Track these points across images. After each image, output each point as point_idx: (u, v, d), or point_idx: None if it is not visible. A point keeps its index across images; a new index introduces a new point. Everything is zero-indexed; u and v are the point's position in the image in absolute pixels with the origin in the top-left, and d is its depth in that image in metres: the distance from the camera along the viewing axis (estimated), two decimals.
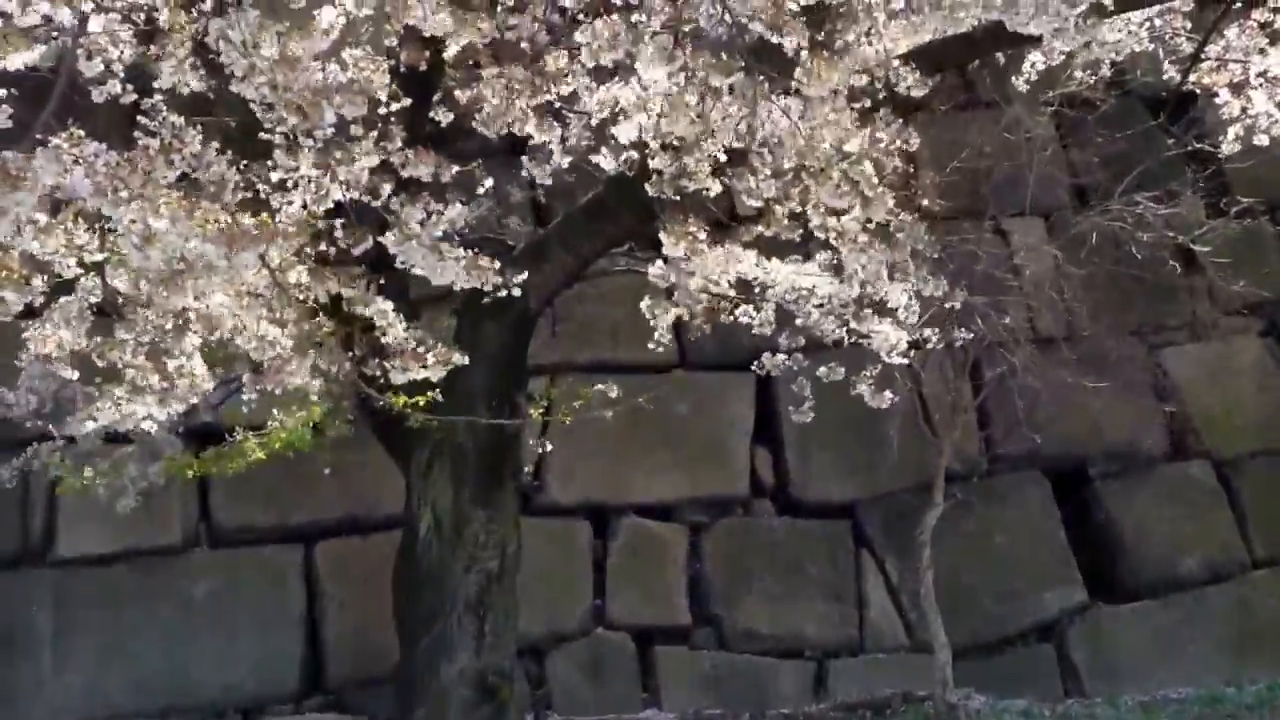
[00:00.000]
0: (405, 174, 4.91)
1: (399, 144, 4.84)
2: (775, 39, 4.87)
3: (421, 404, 5.74)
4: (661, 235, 5.59)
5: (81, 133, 4.01)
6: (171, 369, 5.02)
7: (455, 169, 5.07)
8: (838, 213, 5.56)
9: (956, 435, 9.18)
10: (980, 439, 10.29)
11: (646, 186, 5.50)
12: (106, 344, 4.99)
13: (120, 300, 4.95)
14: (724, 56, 5.17)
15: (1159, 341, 10.91)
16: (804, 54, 4.96)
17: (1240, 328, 11.05)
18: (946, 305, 6.44)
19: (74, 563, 8.90)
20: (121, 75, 4.45)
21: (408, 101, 5.08)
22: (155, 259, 4.17)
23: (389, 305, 5.09)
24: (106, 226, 4.38)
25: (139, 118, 4.43)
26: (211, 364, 5.26)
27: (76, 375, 5.03)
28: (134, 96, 4.48)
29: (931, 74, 5.64)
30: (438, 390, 5.71)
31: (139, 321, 4.98)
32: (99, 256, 4.36)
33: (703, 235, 5.74)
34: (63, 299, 4.82)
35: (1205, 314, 10.87)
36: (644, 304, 6.28)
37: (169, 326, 4.97)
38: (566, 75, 5.37)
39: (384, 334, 5.08)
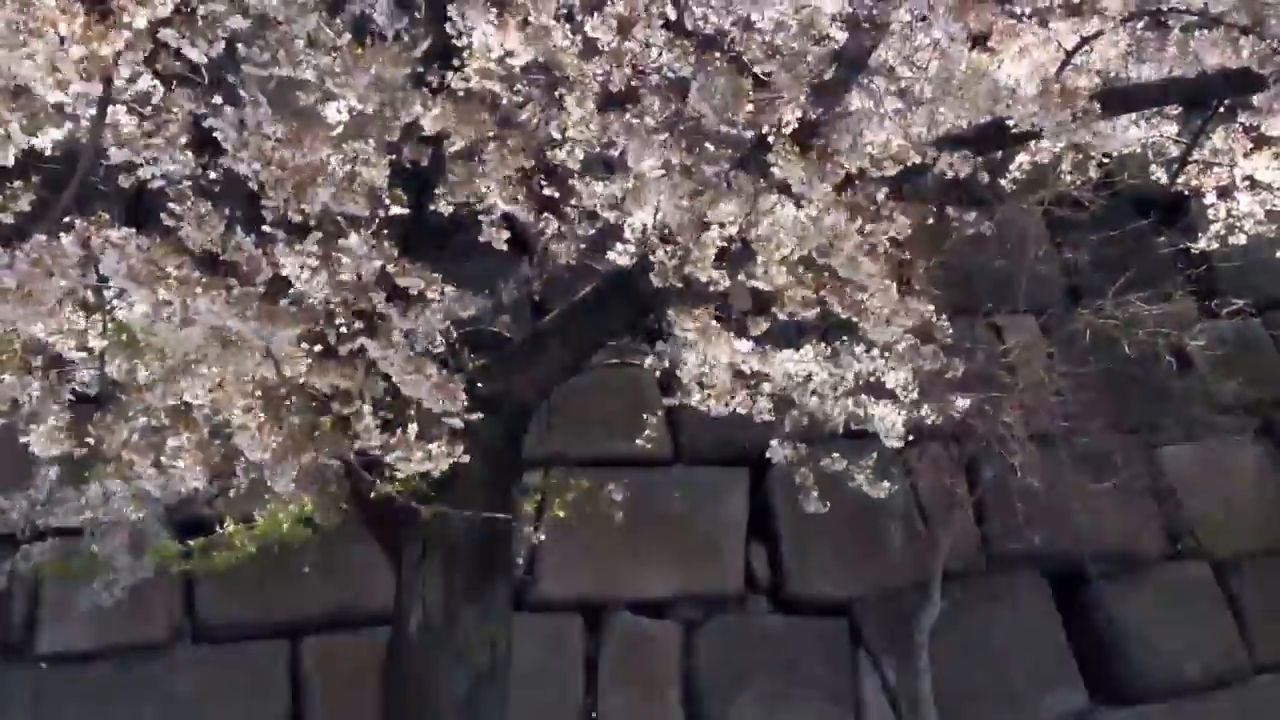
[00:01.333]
0: (399, 282, 4.98)
1: (395, 251, 4.93)
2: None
3: (415, 495, 5.76)
4: (672, 315, 5.66)
5: (106, 216, 4.10)
6: (165, 461, 5.05)
7: (447, 287, 5.14)
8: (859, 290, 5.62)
9: (953, 533, 9.20)
10: (978, 536, 10.30)
11: (651, 277, 5.58)
12: (99, 431, 5.02)
13: (117, 389, 5.01)
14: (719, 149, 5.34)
15: (1156, 441, 10.99)
16: (794, 154, 5.10)
17: (1236, 427, 11.15)
18: (946, 376, 6.49)
19: (55, 659, 8.80)
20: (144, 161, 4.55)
21: (406, 210, 5.20)
22: (195, 338, 4.23)
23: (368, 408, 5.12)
24: (109, 311, 4.46)
25: (168, 203, 4.53)
26: (204, 457, 5.29)
27: (66, 466, 5.04)
28: (160, 182, 4.59)
29: (920, 175, 5.80)
30: (431, 482, 5.73)
31: (134, 410, 5.03)
32: (101, 343, 4.44)
33: (714, 322, 5.82)
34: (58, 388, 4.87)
35: (1201, 414, 10.97)
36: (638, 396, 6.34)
37: (165, 417, 5.02)
38: (566, 170, 5.50)
39: (380, 427, 5.11)
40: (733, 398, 6.25)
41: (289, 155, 4.36)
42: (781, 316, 5.85)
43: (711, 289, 5.62)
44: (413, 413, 5.18)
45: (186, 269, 3.97)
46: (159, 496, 5.12)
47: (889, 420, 6.03)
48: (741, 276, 5.55)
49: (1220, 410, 11.02)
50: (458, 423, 5.00)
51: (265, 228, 4.61)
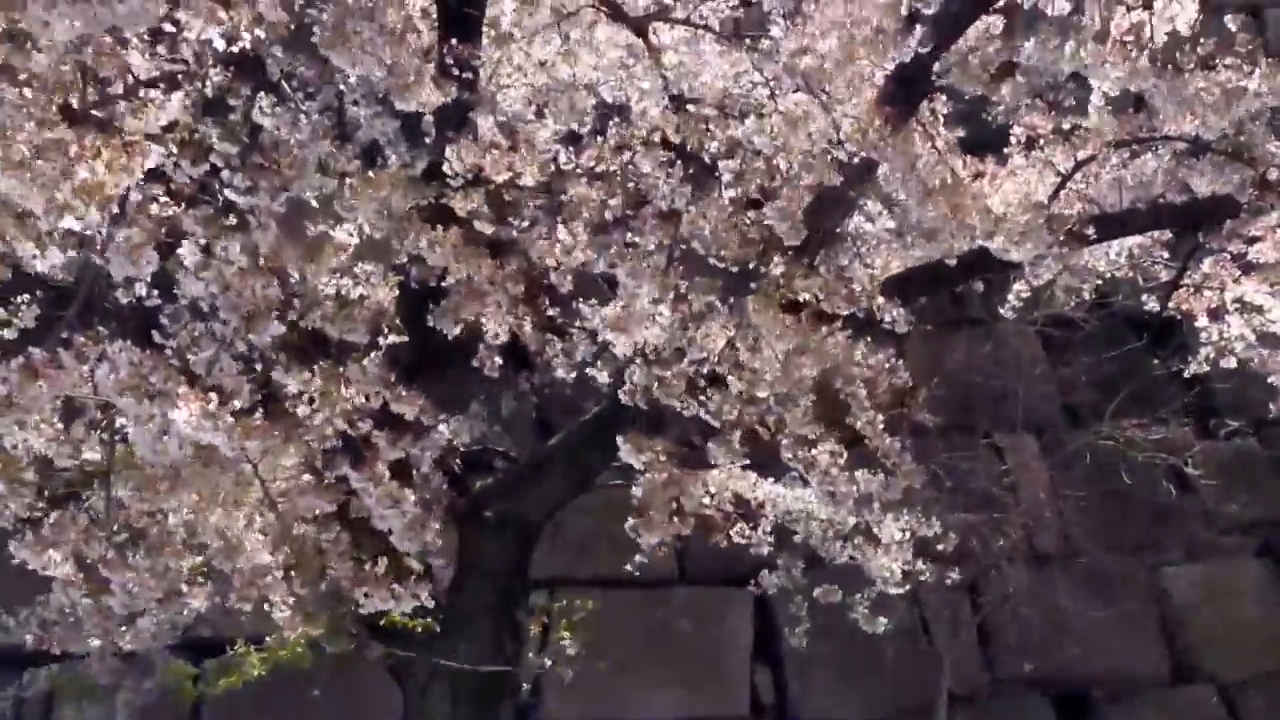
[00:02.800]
0: (393, 408, 4.90)
1: (392, 377, 4.87)
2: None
3: (421, 622, 5.64)
4: (621, 445, 5.51)
5: (105, 331, 4.06)
6: (171, 584, 4.92)
7: (440, 416, 5.06)
8: (810, 442, 5.51)
9: (958, 656, 8.97)
10: (981, 659, 10.04)
11: (619, 394, 5.47)
12: (105, 556, 4.90)
13: (123, 511, 4.91)
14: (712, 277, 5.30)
15: (1157, 562, 10.78)
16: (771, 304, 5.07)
17: (1237, 548, 10.94)
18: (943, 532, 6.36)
19: None
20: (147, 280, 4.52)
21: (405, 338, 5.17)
22: (171, 452, 4.14)
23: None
24: (116, 433, 4.39)
25: (161, 321, 4.49)
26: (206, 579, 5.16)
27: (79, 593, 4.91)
28: (156, 301, 4.56)
29: (916, 299, 5.75)
30: (437, 607, 5.59)
31: (139, 533, 4.92)
32: (94, 455, 4.37)
33: (669, 453, 5.64)
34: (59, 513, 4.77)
35: (1202, 534, 10.78)
36: (628, 524, 6.16)
37: (171, 539, 4.91)
38: (567, 294, 5.46)
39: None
40: (733, 526, 6.11)
41: (250, 284, 4.30)
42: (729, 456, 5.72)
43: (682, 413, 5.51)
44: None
45: (172, 382, 3.90)
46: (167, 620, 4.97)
47: (887, 568, 5.84)
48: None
49: (1221, 531, 10.83)
50: (416, 564, 4.84)
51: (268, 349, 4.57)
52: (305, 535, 4.88)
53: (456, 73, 4.85)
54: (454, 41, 4.98)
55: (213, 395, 3.95)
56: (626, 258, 5.12)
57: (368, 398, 4.83)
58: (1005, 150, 5.55)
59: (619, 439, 5.54)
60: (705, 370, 5.38)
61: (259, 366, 4.77)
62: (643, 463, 5.43)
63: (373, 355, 4.99)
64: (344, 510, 5.03)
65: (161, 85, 3.94)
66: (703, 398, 5.38)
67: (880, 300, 5.44)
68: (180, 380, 3.94)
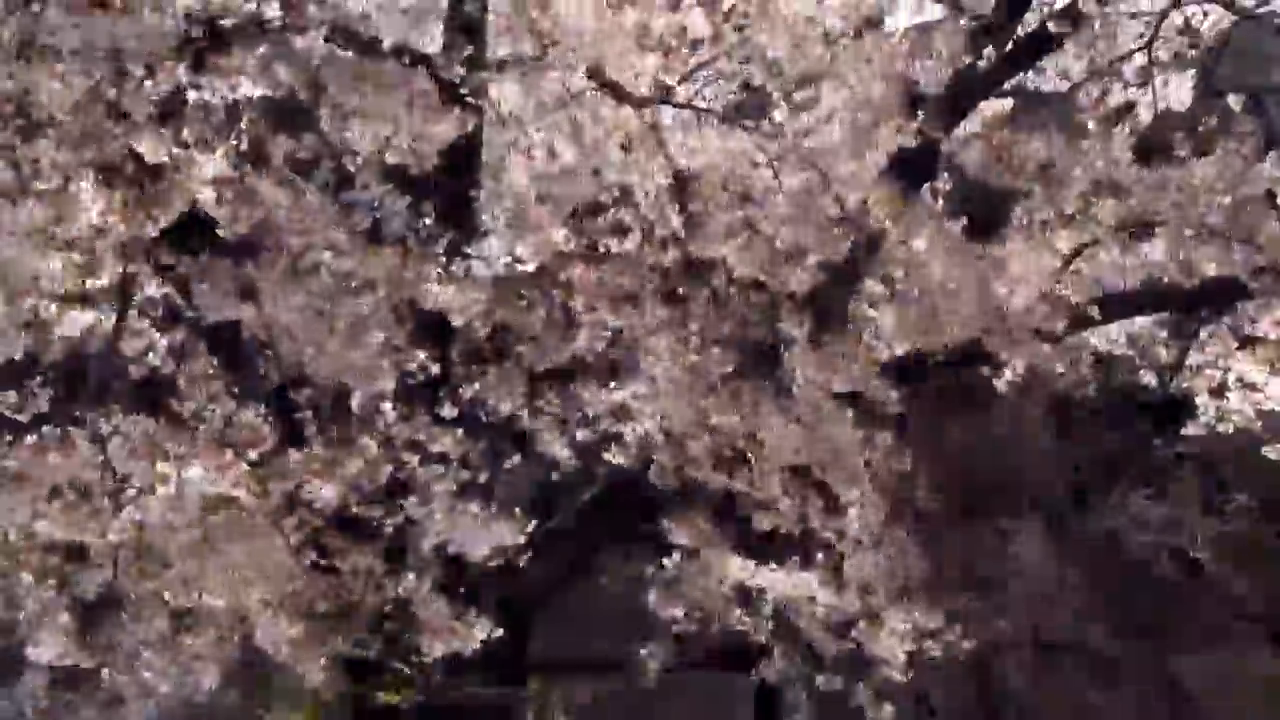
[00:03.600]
0: (432, 449, 4.92)
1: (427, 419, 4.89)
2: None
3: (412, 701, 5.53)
4: (666, 523, 5.49)
5: (118, 407, 4.06)
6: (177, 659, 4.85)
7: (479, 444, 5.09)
8: (839, 512, 5.47)
9: None
10: None
11: (649, 475, 5.44)
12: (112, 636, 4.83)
13: (128, 590, 4.84)
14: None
15: (1167, 647, 10.56)
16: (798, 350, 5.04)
17: (1249, 634, 10.73)
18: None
19: None
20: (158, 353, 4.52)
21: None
22: (185, 518, 4.11)
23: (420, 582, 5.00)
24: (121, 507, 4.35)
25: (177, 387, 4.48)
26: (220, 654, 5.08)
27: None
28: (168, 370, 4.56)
29: (919, 380, 5.71)
30: (433, 684, 5.49)
31: (144, 611, 4.85)
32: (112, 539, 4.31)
33: (708, 528, 5.64)
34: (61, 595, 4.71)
35: (1212, 618, 10.58)
36: (650, 599, 6.09)
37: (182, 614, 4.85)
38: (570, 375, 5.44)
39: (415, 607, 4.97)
40: (730, 616, 6.00)
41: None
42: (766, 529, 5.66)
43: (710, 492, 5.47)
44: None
45: (186, 445, 3.89)
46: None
47: (891, 653, 5.72)
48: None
49: (1233, 616, 10.63)
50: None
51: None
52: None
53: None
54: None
55: (229, 450, 3.94)
56: (636, 339, 5.12)
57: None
58: (1007, 229, 5.54)
59: (665, 519, 5.52)
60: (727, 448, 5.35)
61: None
62: (692, 542, 5.44)
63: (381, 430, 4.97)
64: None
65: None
66: (735, 473, 5.37)
67: (882, 381, 5.40)
68: (194, 442, 3.93)
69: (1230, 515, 10.04)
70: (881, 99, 5.32)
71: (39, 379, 4.35)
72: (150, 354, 4.29)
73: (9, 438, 4.00)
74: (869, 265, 5.72)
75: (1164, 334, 6.20)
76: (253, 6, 4.41)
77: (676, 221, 5.46)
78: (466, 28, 5.10)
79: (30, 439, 3.84)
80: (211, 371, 4.50)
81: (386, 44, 5.09)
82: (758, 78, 5.62)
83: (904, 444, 5.71)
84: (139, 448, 3.85)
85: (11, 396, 4.17)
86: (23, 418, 4.31)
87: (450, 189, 5.03)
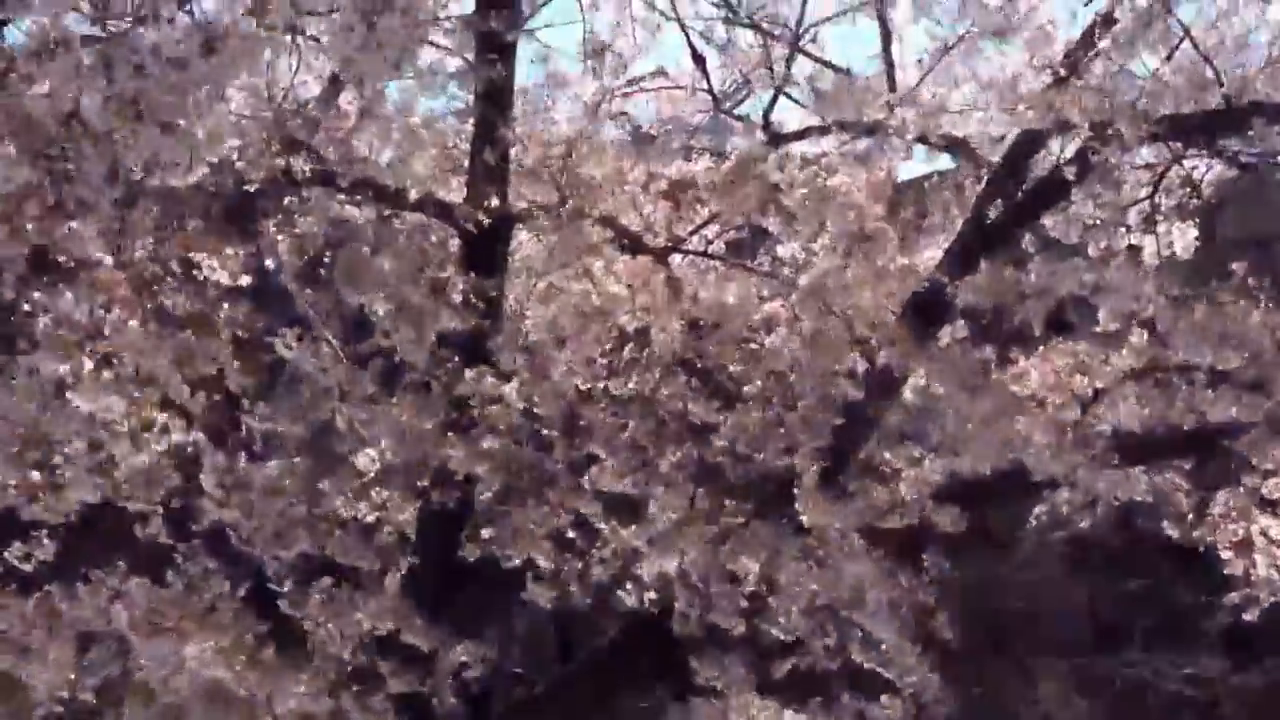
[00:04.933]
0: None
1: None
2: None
3: None
4: (695, 664, 5.37)
5: (123, 565, 4.02)
6: None
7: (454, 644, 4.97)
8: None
9: None
10: None
11: (672, 624, 5.35)
12: None
13: None
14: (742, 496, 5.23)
15: None
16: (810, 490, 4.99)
17: None
18: None
19: None
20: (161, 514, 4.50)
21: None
22: (183, 687, 4.04)
23: None
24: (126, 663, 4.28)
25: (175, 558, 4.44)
26: None
27: None
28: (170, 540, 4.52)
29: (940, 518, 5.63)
30: None
31: None
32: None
33: (732, 667, 5.52)
34: None
35: None
36: None
37: None
38: (587, 514, 5.39)
39: None
40: None
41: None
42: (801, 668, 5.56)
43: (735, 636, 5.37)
44: None
45: (186, 620, 3.83)
46: None
47: None
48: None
49: None
50: None
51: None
52: None
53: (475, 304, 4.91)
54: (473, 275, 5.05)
55: (223, 632, 3.87)
56: (653, 482, 5.09)
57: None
58: (1022, 366, 5.52)
59: (695, 662, 5.42)
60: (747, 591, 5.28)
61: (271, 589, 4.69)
62: (715, 682, 5.33)
63: (390, 581, 4.91)
64: None
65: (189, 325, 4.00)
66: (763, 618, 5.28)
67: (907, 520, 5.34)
68: (193, 617, 3.88)
69: (1253, 666, 9.78)
70: (883, 232, 5.38)
71: (46, 530, 4.33)
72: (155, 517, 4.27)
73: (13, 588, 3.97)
74: (891, 400, 5.71)
75: (1184, 482, 6.09)
76: (281, 162, 4.51)
77: (692, 364, 5.48)
78: (488, 178, 5.19)
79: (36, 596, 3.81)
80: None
81: (411, 195, 5.20)
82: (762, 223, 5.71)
83: (925, 580, 5.61)
84: (140, 615, 3.80)
85: (18, 548, 4.14)
86: (27, 566, 4.29)
87: (469, 336, 5.05)
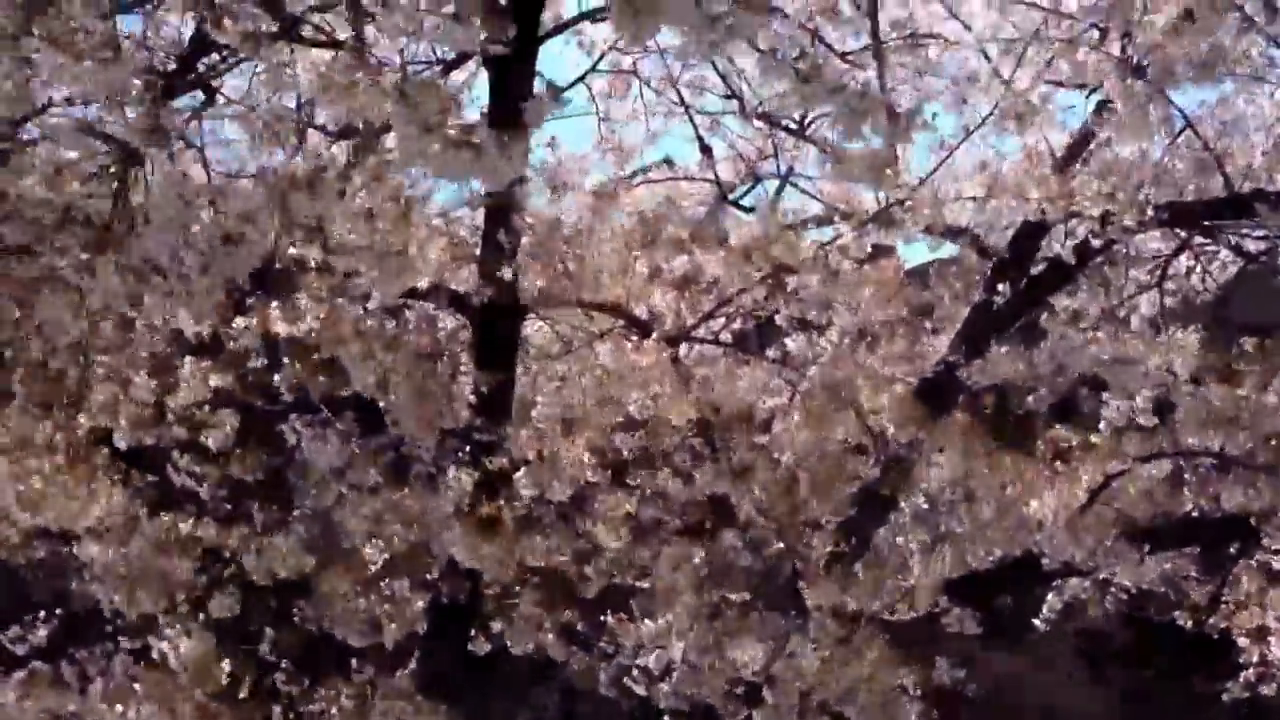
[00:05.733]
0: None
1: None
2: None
3: None
4: None
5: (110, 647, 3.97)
6: None
7: None
8: None
9: None
10: None
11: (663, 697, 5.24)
12: None
13: None
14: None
15: None
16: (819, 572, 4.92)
17: None
18: None
19: None
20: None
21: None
22: None
23: None
24: None
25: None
26: None
27: None
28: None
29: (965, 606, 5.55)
30: None
31: None
32: None
33: None
34: None
35: None
36: None
37: None
38: (598, 607, 5.32)
39: None
40: None
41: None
42: None
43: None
44: None
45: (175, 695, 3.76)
46: None
47: None
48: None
49: None
50: None
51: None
52: None
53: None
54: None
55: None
56: (659, 572, 5.03)
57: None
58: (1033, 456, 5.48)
59: None
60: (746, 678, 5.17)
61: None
62: None
63: (400, 673, 4.83)
64: None
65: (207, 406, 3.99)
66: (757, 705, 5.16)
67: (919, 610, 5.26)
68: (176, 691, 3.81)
69: None
70: (890, 319, 5.38)
71: (41, 613, 4.30)
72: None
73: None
74: (903, 484, 5.66)
75: (1197, 570, 6.01)
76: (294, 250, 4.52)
77: (700, 452, 5.45)
78: (499, 267, 5.21)
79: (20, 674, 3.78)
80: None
81: (423, 284, 5.21)
82: (770, 310, 5.72)
83: (938, 673, 5.51)
84: (119, 691, 3.75)
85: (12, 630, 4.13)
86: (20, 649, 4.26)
87: (480, 426, 5.02)
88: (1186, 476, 5.41)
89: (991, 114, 4.74)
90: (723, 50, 3.21)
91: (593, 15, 4.93)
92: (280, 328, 4.11)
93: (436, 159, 2.91)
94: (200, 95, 3.55)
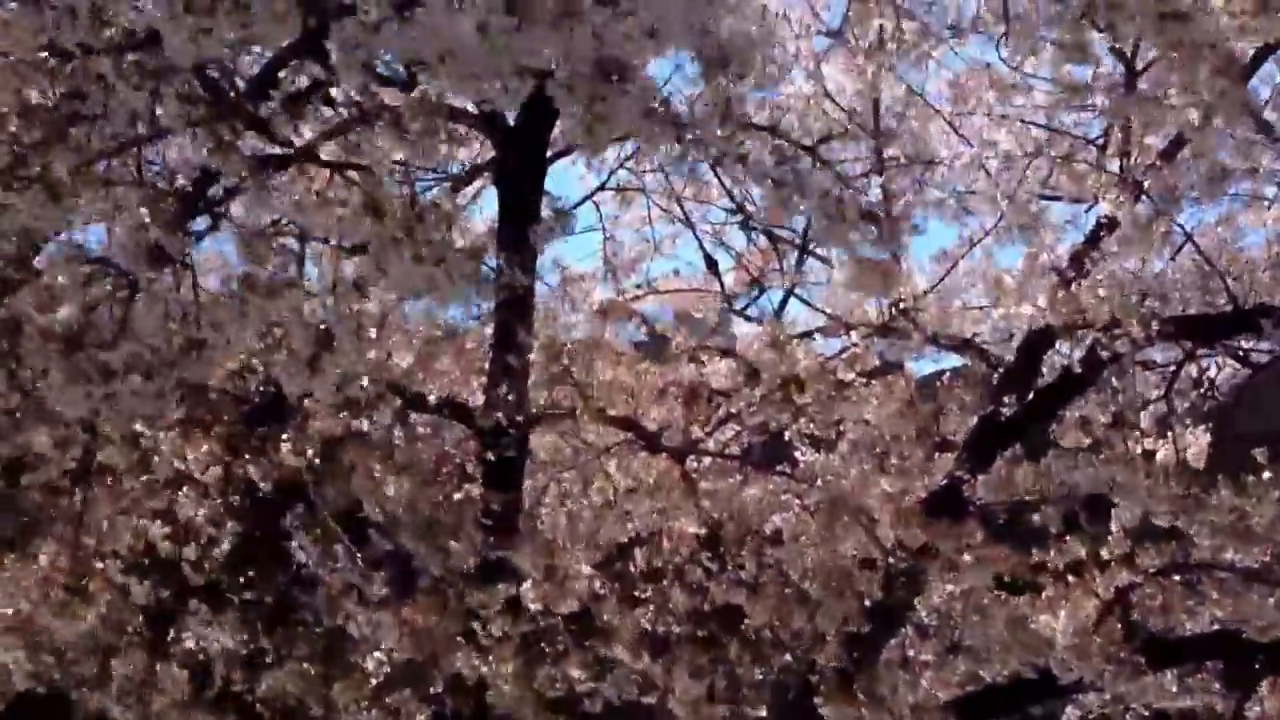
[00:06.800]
0: None
1: None
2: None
3: None
4: None
5: None
6: None
7: None
8: None
9: None
10: None
11: None
12: None
13: None
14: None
15: None
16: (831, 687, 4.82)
17: None
18: None
19: None
20: None
21: None
22: None
23: None
24: None
25: None
26: None
27: None
28: None
29: None
30: None
31: None
32: None
33: None
34: None
35: None
36: None
37: None
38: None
39: None
40: None
41: None
42: None
43: None
44: None
45: None
46: None
47: None
48: None
49: None
50: None
51: None
52: None
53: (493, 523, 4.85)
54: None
55: None
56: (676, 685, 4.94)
57: None
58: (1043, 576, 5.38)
59: None
60: None
61: None
62: None
63: None
64: None
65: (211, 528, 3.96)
66: None
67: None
68: None
69: None
70: (899, 434, 5.32)
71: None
72: None
73: None
74: (912, 598, 5.56)
75: (1219, 685, 5.83)
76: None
77: (708, 567, 5.38)
78: (507, 380, 5.19)
79: None
80: None
81: (431, 398, 5.20)
82: (778, 423, 5.68)
83: None
84: None
85: None
86: None
87: (485, 538, 4.97)
88: (1203, 589, 5.30)
89: (995, 226, 4.75)
90: (695, 161, 3.25)
91: None
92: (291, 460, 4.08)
93: (439, 290, 2.91)
94: (208, 219, 3.58)
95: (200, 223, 3.52)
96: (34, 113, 2.87)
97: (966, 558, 5.08)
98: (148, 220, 3.16)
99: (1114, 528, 5.34)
